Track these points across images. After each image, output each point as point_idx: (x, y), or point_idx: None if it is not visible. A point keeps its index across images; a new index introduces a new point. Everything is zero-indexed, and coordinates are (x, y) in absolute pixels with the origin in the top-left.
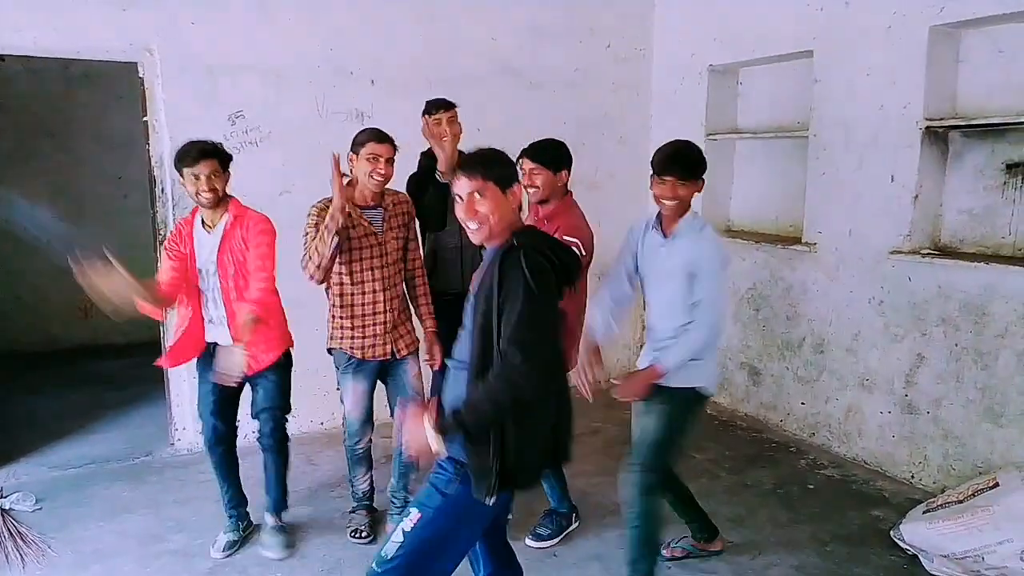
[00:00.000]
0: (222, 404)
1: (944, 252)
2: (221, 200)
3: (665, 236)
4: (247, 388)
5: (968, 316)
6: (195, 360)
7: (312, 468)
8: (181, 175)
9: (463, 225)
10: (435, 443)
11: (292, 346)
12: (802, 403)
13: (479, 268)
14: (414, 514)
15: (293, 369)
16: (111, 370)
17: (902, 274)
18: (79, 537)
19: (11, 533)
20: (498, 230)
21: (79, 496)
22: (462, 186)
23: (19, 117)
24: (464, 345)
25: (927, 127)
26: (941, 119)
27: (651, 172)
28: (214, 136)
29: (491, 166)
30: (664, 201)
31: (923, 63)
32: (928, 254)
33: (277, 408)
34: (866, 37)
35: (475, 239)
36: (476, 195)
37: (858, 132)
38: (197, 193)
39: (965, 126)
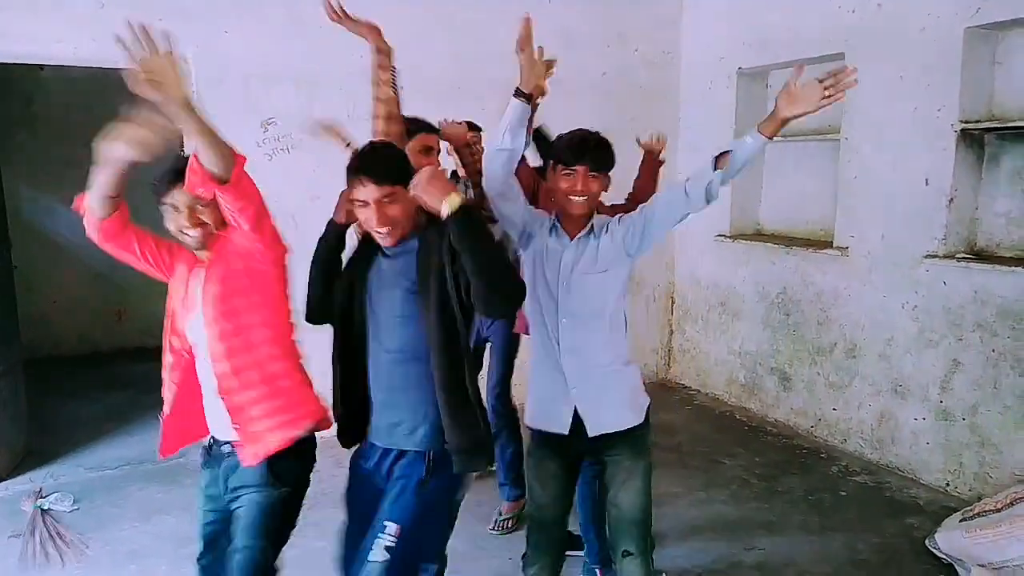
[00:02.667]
0: (219, 531)
1: (980, 256)
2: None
3: (571, 239)
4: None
5: (1005, 321)
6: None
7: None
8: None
9: (368, 230)
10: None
11: (323, 420)
12: (834, 409)
13: (391, 262)
14: (391, 528)
15: (315, 469)
16: (146, 372)
17: (937, 279)
18: (115, 537)
19: (51, 533)
20: (407, 231)
21: (115, 497)
22: (370, 192)
23: (57, 126)
24: (404, 330)
25: (962, 129)
26: (977, 121)
27: (552, 164)
28: (247, 143)
29: (397, 168)
30: (572, 197)
31: (958, 65)
32: (963, 258)
33: (251, 556)
34: (899, 39)
35: (385, 243)
36: (386, 200)
37: (891, 135)
38: (179, 231)
39: (1002, 128)
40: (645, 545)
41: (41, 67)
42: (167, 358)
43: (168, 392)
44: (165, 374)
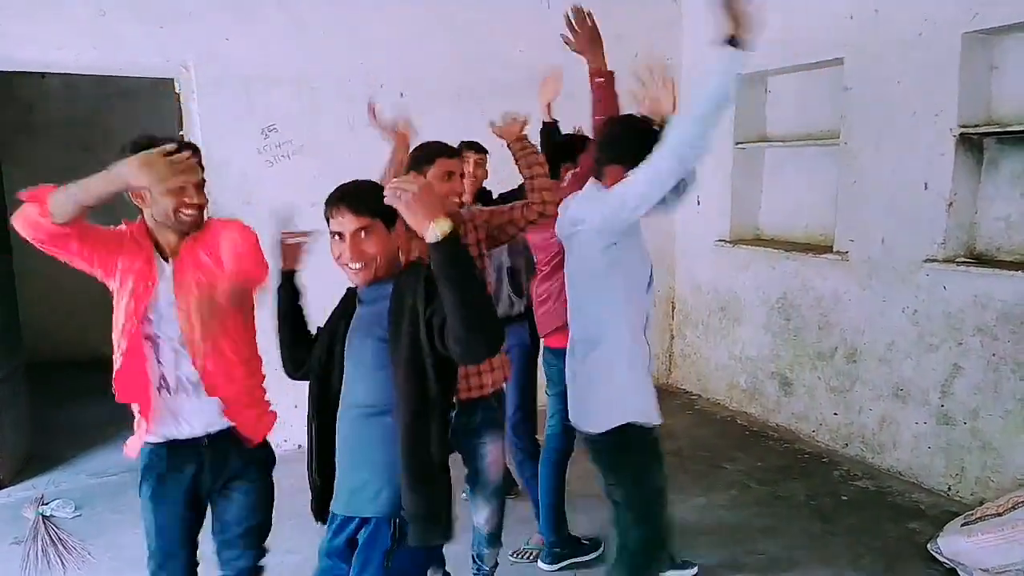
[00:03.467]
0: (192, 530)
1: (980, 260)
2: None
3: None
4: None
5: (1006, 325)
6: (141, 464)
7: None
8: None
9: (341, 265)
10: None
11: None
12: (835, 413)
13: (366, 309)
14: None
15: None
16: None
17: (937, 283)
18: (117, 544)
19: (52, 540)
20: (382, 272)
21: (116, 503)
22: (346, 223)
23: (58, 132)
24: (373, 382)
25: (961, 134)
26: (976, 126)
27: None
28: (248, 149)
29: (378, 201)
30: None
31: (956, 70)
32: (963, 262)
33: (259, 531)
34: (898, 44)
35: (357, 280)
36: (361, 233)
37: (890, 139)
38: (176, 210)
39: (1000, 133)
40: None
41: (43, 74)
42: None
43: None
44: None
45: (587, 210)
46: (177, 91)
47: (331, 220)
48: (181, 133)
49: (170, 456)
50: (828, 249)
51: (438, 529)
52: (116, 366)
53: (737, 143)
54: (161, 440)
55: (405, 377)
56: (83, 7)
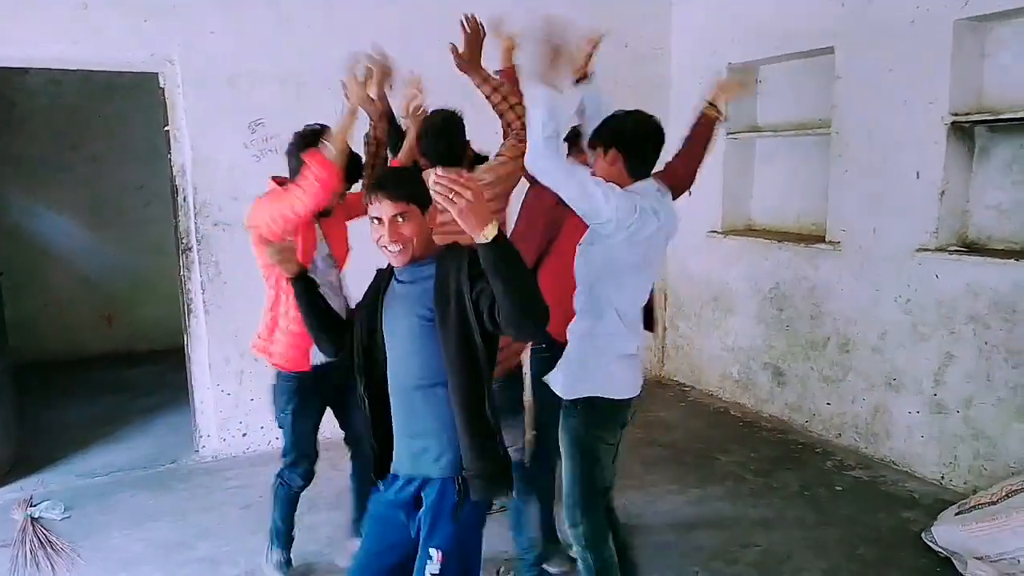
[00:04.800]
0: (315, 438)
1: (972, 249)
2: None
3: None
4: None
5: (998, 314)
6: (293, 383)
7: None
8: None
9: (380, 248)
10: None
11: None
12: (828, 403)
13: (406, 288)
14: (436, 555)
15: None
16: (136, 378)
17: (929, 272)
18: (107, 545)
19: (41, 542)
20: (419, 253)
21: (106, 504)
22: (385, 208)
23: (43, 129)
24: (421, 358)
25: (953, 122)
26: (967, 114)
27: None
28: (235, 144)
29: (414, 187)
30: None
31: (948, 58)
32: (955, 251)
33: None
34: (889, 32)
35: (396, 262)
36: (399, 218)
37: (882, 129)
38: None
39: (992, 121)
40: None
41: (25, 70)
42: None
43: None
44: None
45: None
46: (162, 85)
47: (371, 206)
48: (166, 128)
49: (309, 377)
50: (820, 239)
51: (501, 485)
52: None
53: (728, 133)
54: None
55: (457, 352)
56: (65, 1)
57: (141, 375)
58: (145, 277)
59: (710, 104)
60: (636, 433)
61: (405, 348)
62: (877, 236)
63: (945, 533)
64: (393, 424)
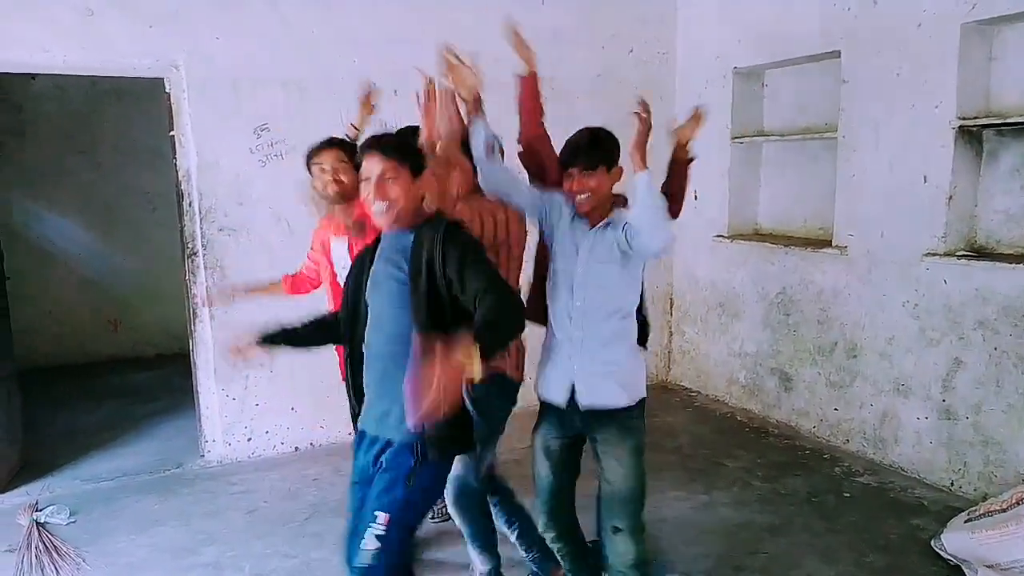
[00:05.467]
0: None
1: (981, 254)
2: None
3: (591, 226)
4: None
5: (1007, 319)
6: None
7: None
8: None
9: (367, 207)
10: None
11: None
12: (835, 409)
13: (388, 254)
14: (381, 518)
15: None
16: (141, 382)
17: (937, 277)
18: (112, 550)
19: (47, 547)
20: (404, 215)
21: (111, 509)
22: (374, 166)
23: (49, 134)
24: (393, 319)
25: (960, 126)
26: (975, 118)
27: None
28: (240, 149)
29: (407, 150)
30: (576, 197)
31: (955, 61)
32: (964, 256)
33: None
34: (895, 36)
35: (381, 222)
36: (387, 177)
37: (888, 132)
38: (324, 187)
39: (1000, 124)
40: (635, 523)
41: (32, 76)
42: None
43: None
44: None
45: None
46: (168, 91)
47: (363, 165)
48: (172, 133)
49: None
50: (827, 243)
51: (455, 444)
52: None
53: (734, 138)
54: None
55: (425, 314)
56: (70, 7)
57: (147, 380)
58: (151, 282)
59: (680, 146)
60: None
61: (381, 310)
62: (885, 241)
63: (955, 540)
64: (365, 384)
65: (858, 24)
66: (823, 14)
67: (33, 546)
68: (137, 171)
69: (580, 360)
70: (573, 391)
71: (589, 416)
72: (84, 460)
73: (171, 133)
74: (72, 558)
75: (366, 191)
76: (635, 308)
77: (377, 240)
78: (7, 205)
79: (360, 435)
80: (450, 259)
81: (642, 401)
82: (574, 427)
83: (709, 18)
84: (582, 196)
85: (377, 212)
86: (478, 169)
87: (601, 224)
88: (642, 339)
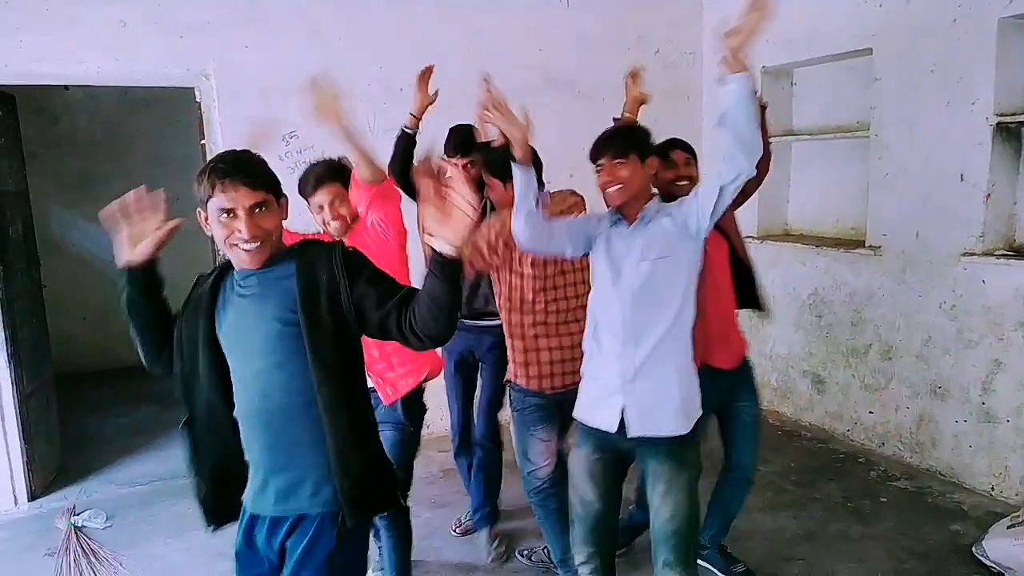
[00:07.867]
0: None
1: (1021, 253)
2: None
3: (630, 224)
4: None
5: None
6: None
7: None
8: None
9: (230, 247)
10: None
11: (437, 368)
12: (870, 412)
13: (254, 295)
14: None
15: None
16: (172, 387)
17: (975, 277)
18: (148, 554)
19: (84, 551)
20: (275, 251)
21: (147, 513)
22: (241, 198)
23: (81, 143)
24: (286, 373)
25: (998, 123)
26: (1013, 114)
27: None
28: (269, 156)
29: (271, 174)
30: (607, 191)
31: (992, 57)
32: (1003, 255)
33: None
34: (929, 32)
35: (250, 262)
36: (259, 209)
37: (923, 130)
38: (324, 224)
39: None
40: (687, 557)
41: (66, 87)
42: None
43: None
44: None
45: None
46: (198, 100)
47: (219, 196)
48: (203, 141)
49: None
50: (860, 244)
51: (378, 504)
52: None
53: None
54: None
55: (334, 357)
56: (103, 20)
57: None
58: (182, 288)
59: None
60: None
61: (264, 363)
62: (920, 240)
63: (997, 547)
64: (251, 458)
65: (890, 21)
66: (854, 12)
67: (71, 550)
68: (168, 179)
69: (631, 382)
70: (623, 417)
71: (640, 442)
72: (119, 464)
73: (202, 141)
74: (110, 562)
75: (229, 229)
76: (691, 314)
77: (209, 287)
78: (44, 216)
79: (249, 522)
80: (360, 273)
81: (699, 421)
82: (620, 450)
83: (735, 18)
84: (612, 188)
85: (249, 252)
86: (522, 225)
87: (639, 220)
88: (755, 301)
